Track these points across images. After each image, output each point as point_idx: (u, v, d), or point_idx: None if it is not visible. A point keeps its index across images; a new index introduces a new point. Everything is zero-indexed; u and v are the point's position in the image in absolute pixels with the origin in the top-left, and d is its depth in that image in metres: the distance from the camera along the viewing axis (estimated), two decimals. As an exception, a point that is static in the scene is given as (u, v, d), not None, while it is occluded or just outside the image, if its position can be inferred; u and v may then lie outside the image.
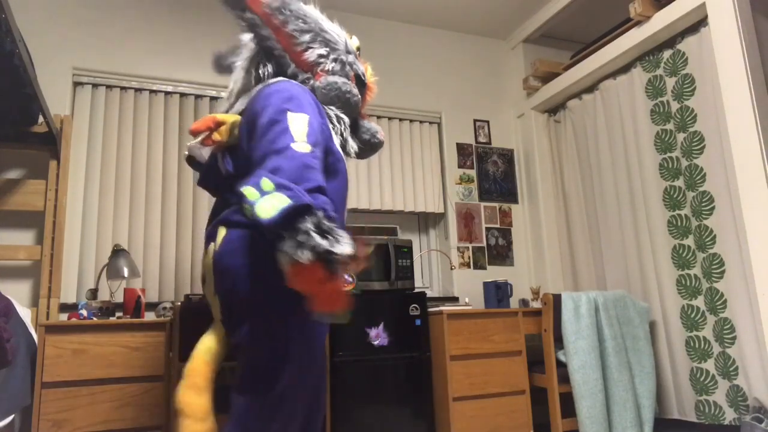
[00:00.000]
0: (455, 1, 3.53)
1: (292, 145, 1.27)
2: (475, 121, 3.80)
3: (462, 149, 3.70)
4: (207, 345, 1.44)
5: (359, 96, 1.64)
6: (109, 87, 2.96)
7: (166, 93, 3.07)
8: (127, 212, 2.85)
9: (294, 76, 1.59)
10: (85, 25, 2.95)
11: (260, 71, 1.62)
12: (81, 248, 2.75)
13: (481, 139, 3.79)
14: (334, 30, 1.67)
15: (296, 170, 1.22)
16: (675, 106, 2.82)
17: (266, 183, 1.17)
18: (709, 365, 2.61)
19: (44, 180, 2.64)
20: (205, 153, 1.66)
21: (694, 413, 2.65)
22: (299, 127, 1.32)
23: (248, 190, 1.17)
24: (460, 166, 3.67)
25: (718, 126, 2.60)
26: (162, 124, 3.01)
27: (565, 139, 3.63)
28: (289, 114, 1.34)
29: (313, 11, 1.67)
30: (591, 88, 3.42)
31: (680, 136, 2.79)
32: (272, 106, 1.36)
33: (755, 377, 2.39)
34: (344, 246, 1.10)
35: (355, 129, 1.73)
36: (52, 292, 2.51)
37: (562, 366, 2.68)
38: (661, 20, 2.80)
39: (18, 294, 2.58)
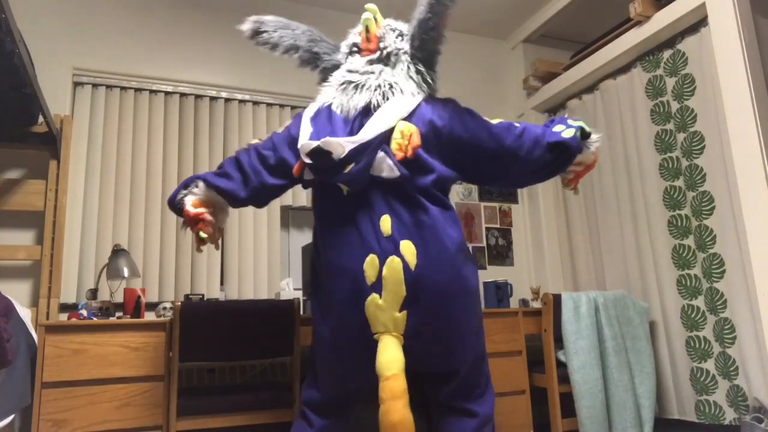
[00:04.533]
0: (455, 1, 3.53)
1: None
2: (475, 121, 3.79)
3: (462, 149, 3.70)
4: (401, 363, 1.41)
5: None
6: (109, 87, 2.96)
7: (166, 93, 3.07)
8: (127, 212, 2.85)
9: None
10: (85, 25, 2.95)
11: (415, 77, 1.73)
12: (81, 248, 2.75)
13: (481, 139, 3.78)
14: None
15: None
16: (675, 106, 2.82)
17: (559, 127, 1.67)
18: (709, 365, 2.61)
19: (44, 180, 2.63)
20: (343, 150, 1.52)
21: (694, 413, 2.65)
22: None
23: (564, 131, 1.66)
24: (460, 166, 3.66)
25: (718, 126, 2.60)
26: (162, 124, 3.01)
27: (565, 139, 3.63)
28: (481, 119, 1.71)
29: None
30: (591, 88, 3.42)
31: (680, 136, 2.79)
32: (467, 119, 1.66)
33: (755, 377, 2.39)
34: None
35: None
36: (52, 292, 2.51)
37: (562, 366, 2.68)
38: (661, 20, 2.80)
39: (18, 294, 2.58)
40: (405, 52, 1.71)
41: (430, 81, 1.73)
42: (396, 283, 1.43)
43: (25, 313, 2.21)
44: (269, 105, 3.29)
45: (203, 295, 2.68)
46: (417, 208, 1.50)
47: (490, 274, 3.56)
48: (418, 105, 1.61)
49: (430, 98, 1.68)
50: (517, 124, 1.66)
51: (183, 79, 3.09)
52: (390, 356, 1.40)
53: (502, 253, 3.65)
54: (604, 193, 3.26)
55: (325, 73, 1.76)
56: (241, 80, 3.22)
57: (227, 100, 3.20)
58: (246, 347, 2.20)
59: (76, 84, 2.90)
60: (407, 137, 1.53)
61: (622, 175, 3.14)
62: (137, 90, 3.01)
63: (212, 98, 3.17)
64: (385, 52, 1.70)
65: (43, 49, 2.82)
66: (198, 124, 3.11)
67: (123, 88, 2.99)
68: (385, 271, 1.44)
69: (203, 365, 2.72)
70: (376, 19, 1.76)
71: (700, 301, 2.68)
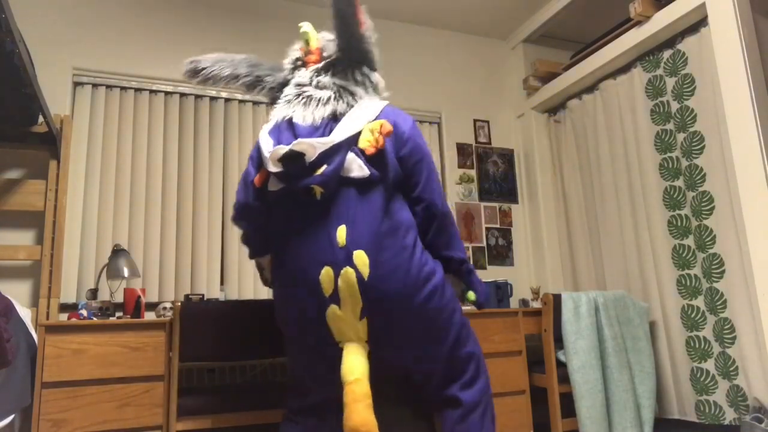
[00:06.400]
0: (455, 1, 3.53)
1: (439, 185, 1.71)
2: (475, 121, 3.80)
3: (462, 149, 3.70)
4: (363, 368, 1.47)
5: None
6: (109, 87, 2.96)
7: (166, 93, 3.07)
8: (127, 212, 2.85)
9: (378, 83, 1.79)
10: (85, 25, 2.95)
11: (369, 77, 1.76)
12: (81, 248, 2.75)
13: (481, 139, 3.79)
14: None
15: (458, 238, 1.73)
16: (675, 106, 2.82)
17: (471, 295, 1.73)
18: (709, 365, 2.61)
19: (44, 180, 2.63)
20: (315, 153, 1.55)
21: (694, 413, 2.65)
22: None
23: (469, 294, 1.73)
24: (460, 166, 3.66)
25: (718, 126, 2.60)
26: (162, 124, 3.01)
27: (565, 139, 3.63)
28: (430, 162, 1.71)
29: None
30: (591, 88, 3.42)
31: (680, 136, 2.79)
32: (422, 144, 1.68)
33: (755, 377, 2.39)
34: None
35: None
36: (52, 292, 2.51)
37: (562, 366, 2.68)
38: (661, 20, 2.80)
39: (18, 294, 2.58)
40: (344, 59, 1.74)
41: (374, 82, 1.76)
42: (352, 294, 1.47)
43: (25, 313, 2.21)
44: (269, 105, 3.28)
45: (203, 295, 2.68)
46: (377, 213, 1.51)
47: (490, 274, 3.56)
48: (382, 110, 1.67)
49: (392, 107, 1.75)
50: (434, 211, 1.66)
51: (183, 79, 3.08)
52: (351, 362, 1.46)
53: (502, 253, 3.65)
54: (604, 193, 3.26)
55: (272, 93, 1.86)
56: (241, 80, 3.22)
57: (227, 100, 3.20)
58: (246, 347, 2.20)
59: (76, 84, 2.90)
60: (377, 130, 1.57)
61: (622, 175, 3.13)
62: (137, 90, 3.01)
63: (212, 98, 3.17)
64: (328, 60, 1.75)
65: (43, 49, 2.81)
66: (198, 124, 3.11)
67: (123, 88, 2.99)
68: (340, 283, 1.47)
69: (203, 365, 2.72)
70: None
71: (700, 301, 2.68)
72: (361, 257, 1.46)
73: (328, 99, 1.65)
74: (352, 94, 1.67)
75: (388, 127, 1.57)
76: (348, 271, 1.46)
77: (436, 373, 1.65)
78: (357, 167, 1.55)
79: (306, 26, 1.81)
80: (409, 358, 1.60)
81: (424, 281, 1.52)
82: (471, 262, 3.51)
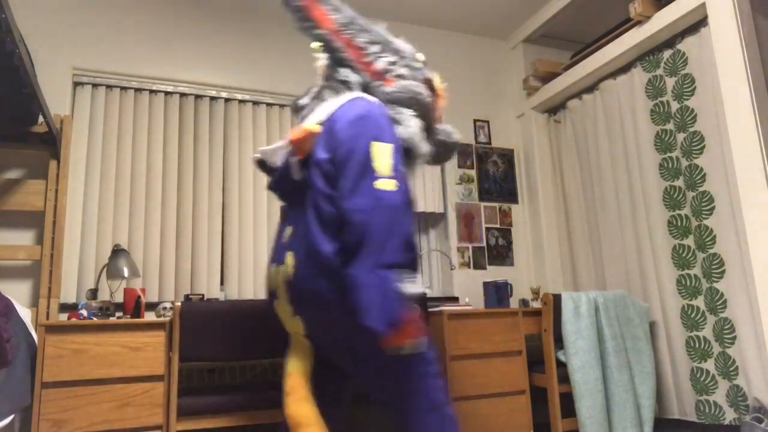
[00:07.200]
0: (455, 1, 3.53)
1: (377, 185, 1.37)
2: (475, 121, 3.80)
3: (462, 149, 3.70)
4: (296, 363, 1.59)
5: (431, 98, 1.73)
6: (109, 87, 2.96)
7: (166, 93, 3.07)
8: (127, 212, 2.85)
9: (366, 85, 1.67)
10: (85, 25, 2.95)
11: (341, 73, 1.71)
12: (81, 248, 2.75)
13: (481, 139, 3.79)
14: (401, 41, 1.79)
15: (385, 227, 1.35)
16: (675, 106, 2.82)
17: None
18: (709, 365, 2.61)
19: (44, 180, 2.63)
20: (277, 158, 1.70)
21: (695, 413, 2.65)
22: (385, 159, 1.41)
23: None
24: (460, 166, 3.67)
25: (718, 126, 2.60)
26: (162, 124, 3.01)
27: (565, 139, 3.63)
28: (374, 145, 1.43)
29: (377, 27, 1.79)
30: (591, 88, 3.42)
31: (680, 136, 2.79)
32: (358, 145, 1.43)
33: (755, 377, 2.39)
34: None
35: (429, 133, 1.80)
36: (52, 292, 2.51)
37: (562, 366, 2.68)
38: (661, 20, 2.80)
39: (18, 294, 2.58)
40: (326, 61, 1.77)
41: (351, 80, 1.70)
42: (283, 291, 1.53)
43: (25, 313, 2.21)
44: (269, 105, 3.29)
45: (203, 295, 2.68)
46: (309, 217, 1.50)
47: (490, 274, 3.56)
48: (340, 106, 1.57)
49: (358, 100, 1.58)
50: (357, 221, 1.38)
51: (183, 79, 3.09)
52: (290, 356, 1.61)
53: (502, 253, 3.65)
54: (604, 193, 3.26)
55: None
56: (241, 80, 3.22)
57: (227, 100, 3.20)
58: (246, 347, 2.20)
59: (76, 84, 2.90)
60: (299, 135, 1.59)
61: (622, 175, 3.14)
62: (137, 90, 3.01)
63: (212, 98, 3.17)
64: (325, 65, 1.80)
65: (43, 49, 2.81)
66: (198, 124, 3.11)
67: (123, 88, 2.99)
68: (279, 280, 1.55)
69: (203, 365, 2.72)
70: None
71: (700, 301, 2.68)
72: (290, 258, 1.51)
73: (306, 104, 1.74)
74: (320, 96, 1.70)
75: (295, 135, 1.57)
76: (281, 269, 1.53)
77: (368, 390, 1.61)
78: (296, 171, 1.61)
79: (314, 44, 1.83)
80: (337, 357, 1.60)
81: (331, 292, 1.44)
82: (471, 262, 3.52)
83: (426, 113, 1.69)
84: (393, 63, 1.69)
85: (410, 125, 1.60)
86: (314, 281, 1.45)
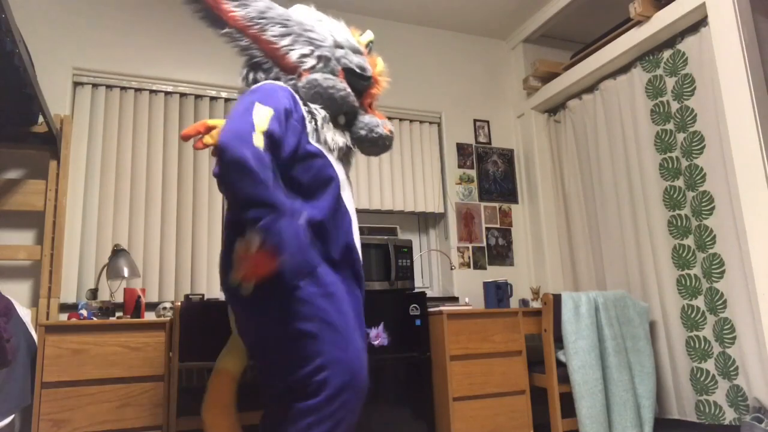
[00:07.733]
0: (455, 1, 3.53)
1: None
2: (475, 121, 3.80)
3: (462, 149, 3.70)
4: (231, 359, 1.61)
5: (347, 90, 1.63)
6: (109, 87, 2.96)
7: (166, 93, 3.07)
8: (127, 212, 2.85)
9: (277, 80, 1.62)
10: (85, 25, 2.95)
11: (250, 78, 1.66)
12: (81, 248, 2.75)
13: (481, 139, 3.79)
14: (323, 28, 1.69)
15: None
16: (675, 106, 2.82)
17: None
18: (709, 365, 2.61)
19: (44, 180, 2.63)
20: None
21: (694, 413, 2.65)
22: (260, 117, 1.39)
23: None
24: (460, 166, 3.67)
25: (718, 126, 2.59)
26: (162, 124, 3.01)
27: (565, 139, 3.63)
28: (256, 105, 1.41)
29: (298, 13, 1.71)
30: (591, 88, 3.42)
31: (680, 136, 2.79)
32: (241, 101, 1.44)
33: (755, 377, 2.39)
34: None
35: (350, 124, 1.71)
36: (52, 292, 2.51)
37: (562, 366, 2.68)
38: (661, 20, 2.80)
39: (18, 294, 2.58)
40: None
41: (244, 75, 1.69)
42: None
43: (25, 313, 2.21)
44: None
45: (203, 295, 2.67)
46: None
47: (490, 274, 3.56)
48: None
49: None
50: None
51: (183, 79, 3.09)
52: (223, 352, 1.77)
53: (502, 253, 3.65)
54: (604, 193, 3.26)
55: None
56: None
57: (227, 100, 3.20)
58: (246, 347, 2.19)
59: (76, 84, 2.90)
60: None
61: (622, 175, 3.13)
62: (137, 90, 3.01)
63: (212, 98, 3.17)
64: None
65: (43, 49, 2.81)
66: (198, 124, 3.11)
67: (123, 88, 2.99)
68: None
69: (203, 365, 2.72)
70: None
71: (700, 301, 2.68)
72: None
73: None
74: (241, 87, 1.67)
75: (190, 129, 1.59)
76: None
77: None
78: None
79: None
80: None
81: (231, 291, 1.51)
82: (471, 262, 3.52)
83: (336, 106, 1.62)
84: (305, 55, 1.62)
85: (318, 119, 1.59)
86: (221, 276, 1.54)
